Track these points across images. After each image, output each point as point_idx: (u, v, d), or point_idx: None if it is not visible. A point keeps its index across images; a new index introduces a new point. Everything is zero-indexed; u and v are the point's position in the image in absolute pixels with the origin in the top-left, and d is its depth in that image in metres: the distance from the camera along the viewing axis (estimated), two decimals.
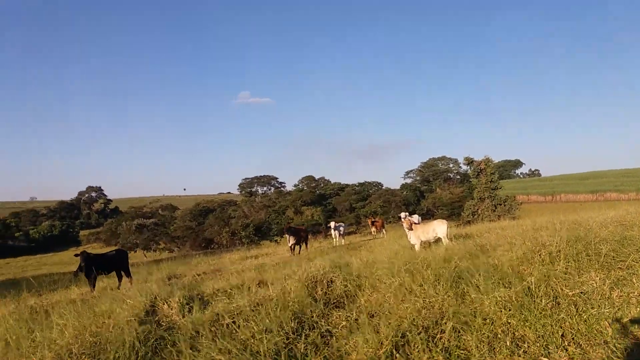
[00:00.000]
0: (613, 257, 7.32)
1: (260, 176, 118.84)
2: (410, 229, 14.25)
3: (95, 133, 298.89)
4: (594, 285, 6.10)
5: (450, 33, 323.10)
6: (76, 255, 13.36)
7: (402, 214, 27.51)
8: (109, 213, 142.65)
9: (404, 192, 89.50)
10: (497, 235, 13.70)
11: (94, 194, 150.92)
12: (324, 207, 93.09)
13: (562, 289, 6.06)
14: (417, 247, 13.92)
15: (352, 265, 9.32)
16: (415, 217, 26.94)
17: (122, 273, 14.11)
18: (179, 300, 7.35)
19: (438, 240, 14.14)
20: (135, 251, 48.31)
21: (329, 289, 7.63)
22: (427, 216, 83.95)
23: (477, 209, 43.82)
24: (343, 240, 24.28)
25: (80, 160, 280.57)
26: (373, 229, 27.92)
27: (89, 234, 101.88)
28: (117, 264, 13.89)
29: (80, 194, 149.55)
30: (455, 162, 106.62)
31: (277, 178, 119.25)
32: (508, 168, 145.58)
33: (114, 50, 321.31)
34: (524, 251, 7.87)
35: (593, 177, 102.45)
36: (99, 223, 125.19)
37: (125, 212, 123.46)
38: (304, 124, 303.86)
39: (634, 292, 5.84)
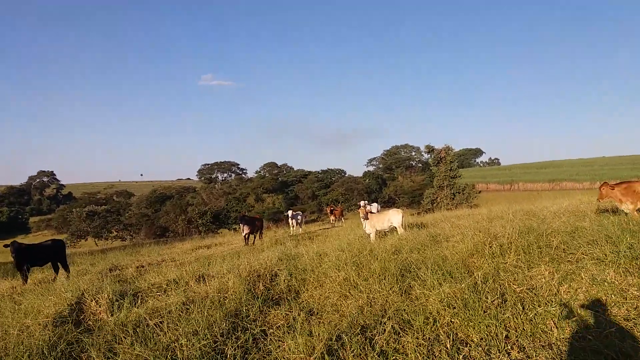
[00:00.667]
0: (564, 249, 7.06)
1: (221, 162, 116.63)
2: (366, 218, 13.86)
3: (50, 115, 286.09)
4: (543, 280, 5.77)
5: (416, 18, 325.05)
6: (6, 246, 12.25)
7: (362, 202, 27.29)
8: (62, 199, 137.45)
9: (366, 180, 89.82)
10: (452, 224, 13.50)
11: (45, 179, 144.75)
12: (286, 194, 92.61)
13: (510, 285, 5.71)
14: (372, 236, 13.57)
15: (301, 258, 8.82)
16: (375, 206, 26.76)
17: (59, 265, 13.07)
18: (108, 296, 6.64)
19: (394, 229, 13.83)
20: (86, 239, 46.35)
21: (272, 284, 7.08)
22: (389, 204, 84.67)
23: (437, 197, 44.34)
24: (301, 229, 23.72)
25: (32, 143, 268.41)
26: (332, 218, 27.54)
27: (39, 220, 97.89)
28: (52, 255, 12.81)
29: (31, 178, 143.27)
30: (418, 150, 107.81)
31: (238, 164, 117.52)
32: (468, 156, 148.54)
33: (74, 28, 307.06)
34: (474, 243, 7.54)
35: (551, 167, 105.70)
36: (51, 209, 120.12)
37: (79, 198, 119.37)
38: (269, 109, 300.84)
39: (581, 288, 5.54)
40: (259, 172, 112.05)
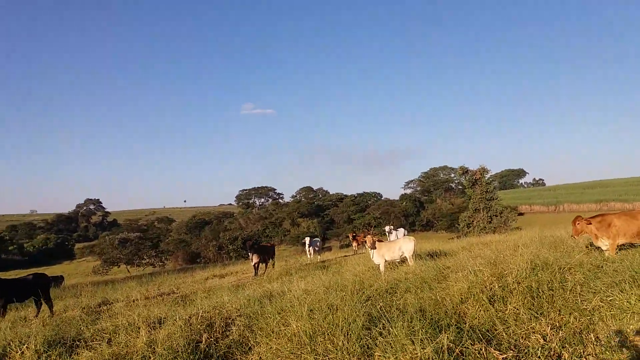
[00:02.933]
0: (580, 292, 5.73)
1: (258, 187, 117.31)
2: (373, 247, 12.66)
3: (97, 145, 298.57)
4: (540, 341, 4.48)
5: (455, 40, 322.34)
6: None
7: (387, 227, 25.98)
8: (107, 226, 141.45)
9: (404, 203, 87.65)
10: (471, 254, 12.17)
11: (92, 207, 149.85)
12: (322, 218, 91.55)
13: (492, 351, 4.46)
14: (381, 267, 12.39)
15: (283, 297, 7.79)
16: (401, 231, 25.43)
17: (42, 301, 12.39)
18: (35, 347, 5.80)
19: (405, 259, 12.59)
20: (119, 266, 46.74)
21: (224, 334, 6.04)
22: (427, 227, 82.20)
23: (472, 221, 42.12)
24: (319, 257, 22.63)
25: (80, 173, 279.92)
26: (354, 244, 26.28)
27: (84, 247, 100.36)
28: (33, 290, 12.19)
29: (79, 206, 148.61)
30: (457, 172, 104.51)
31: (275, 189, 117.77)
32: (511, 178, 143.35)
33: (115, 60, 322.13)
34: (471, 283, 6.30)
35: (598, 186, 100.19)
36: (96, 236, 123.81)
37: (122, 225, 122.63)
38: (306, 135, 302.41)
39: (590, 354, 4.22)
40: (295, 196, 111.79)
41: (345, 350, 4.72)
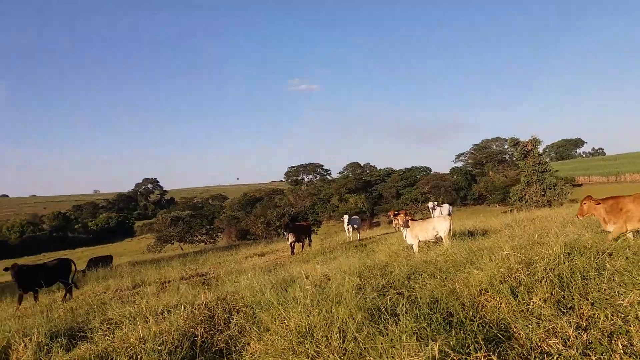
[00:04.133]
0: (619, 282, 5.07)
1: (306, 164, 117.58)
2: (407, 226, 12.13)
3: (154, 126, 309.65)
4: (559, 347, 3.91)
5: (511, 7, 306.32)
6: (6, 269, 12.15)
7: (430, 204, 25.14)
8: (165, 204, 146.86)
9: (454, 177, 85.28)
10: (511, 233, 11.44)
11: (150, 186, 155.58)
12: (369, 194, 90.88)
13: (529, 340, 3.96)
14: (415, 247, 11.93)
15: (295, 284, 7.52)
16: (446, 207, 24.54)
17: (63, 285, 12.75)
18: (37, 339, 5.82)
19: (441, 239, 11.99)
20: (172, 243, 48.36)
21: (224, 327, 5.81)
22: (479, 201, 79.74)
23: (525, 194, 40.20)
24: (358, 235, 22.24)
25: (139, 153, 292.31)
26: (395, 222, 25.63)
27: (143, 225, 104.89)
28: (57, 275, 12.53)
29: (137, 186, 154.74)
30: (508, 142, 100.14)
31: (322, 165, 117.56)
32: (569, 147, 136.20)
33: (173, 40, 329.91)
34: (494, 272, 5.74)
35: None
36: (155, 214, 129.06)
37: (178, 203, 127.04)
38: (352, 109, 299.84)
39: None
40: (342, 172, 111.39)
41: (339, 352, 4.35)
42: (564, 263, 6.01)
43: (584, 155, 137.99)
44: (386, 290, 6.60)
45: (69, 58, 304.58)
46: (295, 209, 65.60)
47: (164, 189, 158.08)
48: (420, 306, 5.16)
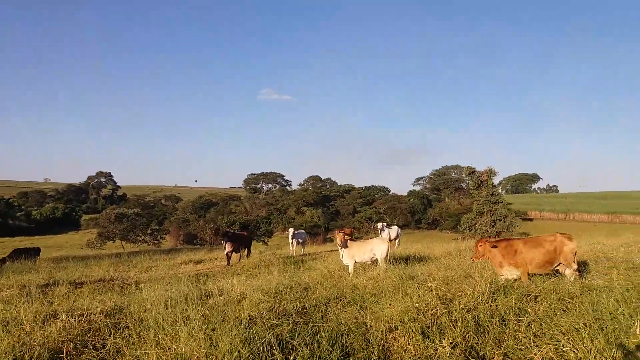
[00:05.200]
0: (536, 332, 4.65)
1: (267, 172, 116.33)
2: (345, 246, 11.63)
3: (115, 119, 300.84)
4: None
5: (481, 41, 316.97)
6: None
7: (379, 224, 24.79)
8: (116, 199, 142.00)
9: (411, 199, 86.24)
10: (445, 264, 11.07)
11: (103, 179, 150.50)
12: (327, 209, 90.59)
13: None
14: (350, 268, 11.40)
15: (207, 301, 6.81)
16: (395, 229, 24.24)
17: None
18: None
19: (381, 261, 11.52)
20: (114, 241, 46.28)
21: (101, 346, 5.02)
22: (433, 226, 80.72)
23: (475, 223, 40.71)
24: (303, 250, 21.60)
25: (97, 145, 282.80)
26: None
27: (90, 219, 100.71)
28: None
29: (90, 178, 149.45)
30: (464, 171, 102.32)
31: (283, 176, 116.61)
32: (524, 182, 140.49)
33: (138, 41, 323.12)
34: (402, 308, 5.23)
35: (611, 198, 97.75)
36: (104, 209, 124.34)
37: (128, 200, 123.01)
38: (320, 124, 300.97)
39: None
40: (303, 184, 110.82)
41: None
42: (487, 303, 5.59)
43: (538, 191, 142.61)
44: (300, 315, 6.04)
45: (30, 38, 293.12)
46: (249, 217, 64.54)
47: (117, 184, 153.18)
48: (319, 341, 4.56)
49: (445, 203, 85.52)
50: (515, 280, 7.16)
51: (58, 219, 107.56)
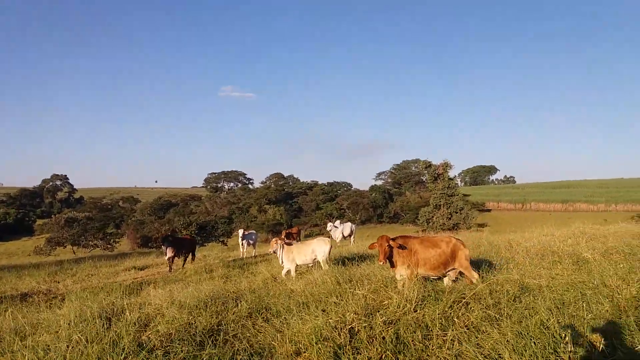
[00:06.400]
0: (457, 353, 4.10)
1: (228, 171, 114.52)
2: (281, 248, 11.08)
3: (70, 120, 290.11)
4: None
5: (438, 33, 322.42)
6: None
7: (329, 224, 24.18)
8: (73, 203, 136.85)
9: (373, 194, 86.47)
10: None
11: (58, 182, 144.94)
12: (290, 206, 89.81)
13: None
14: (292, 272, 10.84)
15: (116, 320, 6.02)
16: (348, 226, 23.74)
17: None
18: None
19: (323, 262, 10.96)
20: (65, 246, 44.08)
21: None
22: (394, 220, 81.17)
23: (433, 216, 40.83)
24: (254, 251, 20.79)
25: (50, 147, 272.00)
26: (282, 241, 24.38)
27: (44, 223, 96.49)
28: None
29: (44, 181, 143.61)
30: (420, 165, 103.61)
31: (245, 174, 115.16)
32: (482, 174, 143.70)
33: (97, 39, 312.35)
34: (315, 325, 4.62)
35: (566, 187, 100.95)
36: (60, 213, 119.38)
37: (84, 203, 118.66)
38: (282, 121, 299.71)
39: None
40: (265, 182, 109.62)
41: None
42: (415, 311, 5.04)
43: (496, 182, 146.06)
44: (212, 334, 5.37)
45: None
46: (209, 217, 63.06)
47: (74, 187, 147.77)
48: None
49: (406, 197, 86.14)
50: (403, 281, 6.55)
51: (10, 225, 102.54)
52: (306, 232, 72.47)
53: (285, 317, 5.62)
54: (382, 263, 6.84)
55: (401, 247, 6.91)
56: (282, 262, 11.06)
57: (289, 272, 10.90)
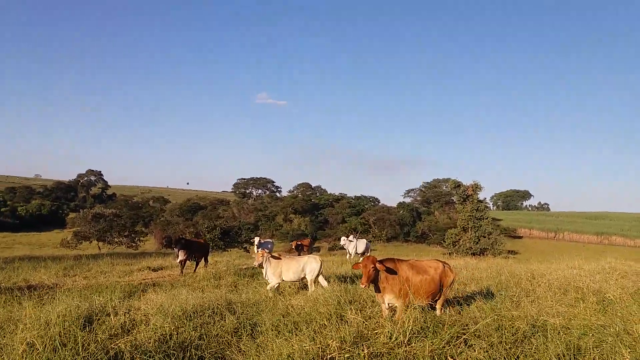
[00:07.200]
0: None
1: (257, 178, 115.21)
2: (265, 265, 10.59)
3: (109, 119, 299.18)
4: None
5: (477, 54, 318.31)
6: None
7: (343, 238, 23.65)
8: (105, 198, 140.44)
9: (400, 211, 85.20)
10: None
11: (93, 178, 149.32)
12: (315, 217, 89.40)
13: None
14: (270, 286, 10.34)
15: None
16: (363, 243, 23.18)
17: None
18: None
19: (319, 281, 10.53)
20: (90, 241, 44.96)
21: None
22: (421, 239, 79.56)
23: (459, 239, 39.64)
24: None
25: (89, 143, 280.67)
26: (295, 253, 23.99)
27: (75, 217, 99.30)
28: None
29: (80, 176, 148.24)
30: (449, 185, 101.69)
31: (273, 181, 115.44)
32: (515, 198, 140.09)
33: (133, 43, 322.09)
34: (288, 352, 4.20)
35: (601, 218, 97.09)
36: (93, 207, 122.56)
37: (115, 200, 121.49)
38: (314, 131, 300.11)
39: None
40: (292, 191, 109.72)
41: None
42: (409, 344, 4.55)
43: (529, 208, 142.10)
44: (195, 349, 5.03)
45: (23, 34, 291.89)
46: (234, 222, 63.28)
47: (107, 183, 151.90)
48: None
49: (434, 217, 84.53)
50: (393, 313, 5.99)
51: (44, 216, 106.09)
52: (330, 244, 71.93)
53: (269, 337, 5.24)
54: (364, 286, 6.18)
55: (389, 270, 6.33)
56: (266, 276, 10.56)
57: (273, 287, 10.40)
